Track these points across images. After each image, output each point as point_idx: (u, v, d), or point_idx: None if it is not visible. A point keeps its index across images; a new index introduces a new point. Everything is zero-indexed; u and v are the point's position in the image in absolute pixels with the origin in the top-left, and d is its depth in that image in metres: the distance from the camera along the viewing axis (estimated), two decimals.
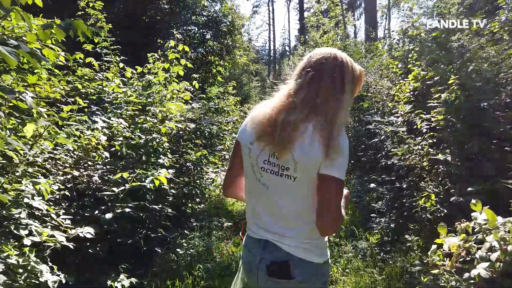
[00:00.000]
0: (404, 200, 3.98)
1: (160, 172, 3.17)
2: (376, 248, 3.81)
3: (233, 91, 13.21)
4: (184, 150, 4.97)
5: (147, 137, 3.66)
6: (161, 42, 6.21)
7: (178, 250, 3.82)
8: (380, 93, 6.32)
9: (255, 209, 1.48)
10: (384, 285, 3.15)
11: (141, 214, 3.31)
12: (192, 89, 5.10)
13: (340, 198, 1.30)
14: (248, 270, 1.49)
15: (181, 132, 4.90)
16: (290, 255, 1.37)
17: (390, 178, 4.22)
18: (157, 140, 3.75)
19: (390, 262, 3.53)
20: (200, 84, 10.02)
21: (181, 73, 4.95)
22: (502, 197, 2.74)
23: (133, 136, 3.75)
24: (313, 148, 1.28)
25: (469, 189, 2.89)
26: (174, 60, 4.92)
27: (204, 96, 5.94)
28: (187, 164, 4.98)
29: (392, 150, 4.34)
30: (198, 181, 5.29)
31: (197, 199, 5.36)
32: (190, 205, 5.05)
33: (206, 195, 5.84)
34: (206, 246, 4.03)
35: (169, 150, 4.06)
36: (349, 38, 17.69)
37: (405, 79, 4.92)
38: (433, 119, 3.53)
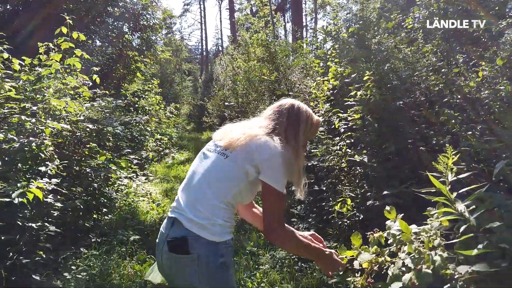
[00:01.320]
0: (323, 204, 3.76)
1: (32, 184, 2.56)
2: (294, 257, 3.53)
3: (159, 90, 12.45)
4: (83, 154, 4.31)
5: (22, 140, 2.99)
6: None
7: (65, 274, 3.20)
8: (302, 92, 6.16)
9: (183, 189, 1.57)
10: None
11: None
12: (89, 83, 4.44)
13: (281, 209, 1.48)
14: (157, 248, 1.54)
15: (78, 134, 4.24)
16: (188, 231, 1.42)
17: (309, 180, 3.98)
18: (37, 143, 3.10)
19: (308, 272, 3.27)
20: (115, 81, 9.22)
21: (78, 65, 4.29)
22: (421, 200, 2.57)
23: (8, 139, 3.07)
24: (259, 151, 1.45)
25: (385, 192, 2.70)
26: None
27: (107, 93, 5.27)
28: (87, 170, 4.33)
29: (312, 150, 4.11)
30: (103, 190, 4.65)
31: (104, 209, 4.72)
32: (94, 216, 4.40)
33: (116, 205, 5.20)
34: (104, 266, 3.45)
35: (55, 156, 3.41)
36: (278, 38, 17.77)
37: (325, 78, 4.75)
38: (350, 118, 3.33)
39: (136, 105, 9.14)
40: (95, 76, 4.44)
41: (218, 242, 1.44)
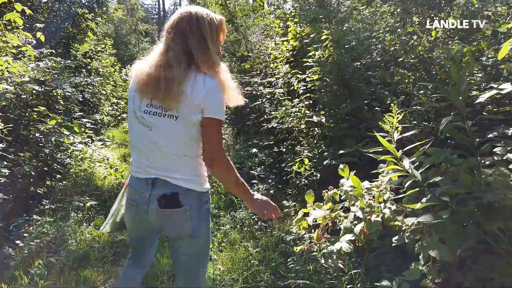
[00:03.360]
0: (283, 165, 3.81)
1: None
2: (254, 217, 3.60)
3: (113, 51, 11.80)
4: (30, 118, 4.05)
5: None
6: None
7: (18, 242, 3.09)
8: (263, 54, 6.06)
9: (141, 151, 1.59)
10: (260, 257, 2.94)
11: None
12: (33, 41, 4.11)
13: (221, 136, 1.53)
14: (137, 207, 1.60)
15: (24, 96, 3.96)
16: (178, 187, 1.54)
17: (269, 142, 4.01)
18: None
19: (268, 230, 3.35)
20: (64, 41, 8.61)
21: (19, 21, 3.93)
22: (376, 158, 2.66)
23: None
24: (195, 94, 1.45)
25: (341, 151, 2.77)
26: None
27: (53, 52, 4.90)
28: (36, 135, 4.10)
29: (272, 113, 4.11)
30: (55, 155, 4.44)
31: (57, 176, 4.53)
32: (48, 183, 4.22)
33: (71, 170, 5.00)
34: (59, 233, 3.36)
35: None
36: None
37: (285, 39, 4.68)
38: (308, 79, 3.33)
39: (89, 67, 8.65)
40: (39, 34, 4.10)
41: (203, 191, 1.61)
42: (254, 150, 4.81)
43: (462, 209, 1.51)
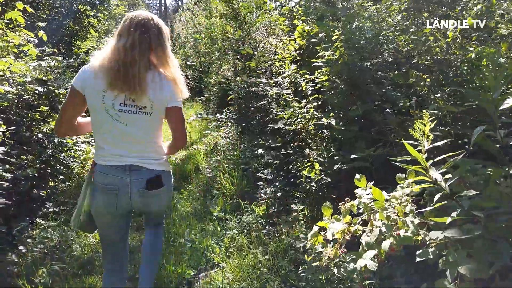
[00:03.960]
0: (290, 167, 3.73)
1: None
2: (262, 221, 3.52)
3: None
4: (33, 119, 3.97)
5: None
6: None
7: (21, 248, 3.02)
8: (267, 52, 5.96)
9: (114, 143, 1.77)
10: (269, 264, 2.86)
11: None
12: (35, 40, 4.02)
13: (184, 120, 1.87)
14: (116, 193, 1.78)
15: (26, 97, 3.88)
16: (156, 170, 1.85)
17: (276, 143, 3.92)
18: None
19: (276, 235, 3.27)
20: (66, 39, 8.50)
21: (21, 20, 3.84)
22: (388, 162, 2.58)
23: None
24: (163, 91, 1.77)
25: (353, 156, 2.68)
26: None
27: (55, 51, 4.79)
28: (39, 136, 4.02)
29: (278, 113, 4.02)
30: (58, 156, 4.37)
31: (61, 177, 4.46)
32: (51, 184, 4.14)
33: (74, 171, 4.92)
34: (63, 238, 3.29)
35: (1, 122, 3.10)
36: None
37: (291, 37, 4.58)
38: (317, 80, 3.23)
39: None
40: (41, 33, 4.01)
41: (170, 171, 2.00)
42: (260, 150, 4.73)
43: (491, 224, 1.43)
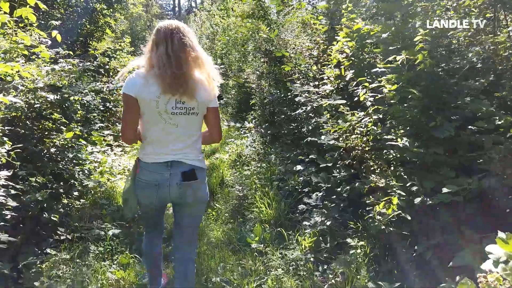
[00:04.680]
0: (343, 193, 3.15)
1: None
2: (311, 257, 2.95)
3: (131, 49, 11.24)
4: (45, 129, 3.48)
5: None
6: None
7: None
8: (302, 54, 5.39)
9: (162, 143, 1.97)
10: None
11: None
12: (48, 41, 3.52)
13: (220, 117, 2.14)
14: (158, 185, 1.97)
15: (36, 106, 3.38)
16: (193, 165, 2.02)
17: (326, 163, 3.34)
18: None
19: (330, 276, 2.70)
20: (81, 39, 8.08)
21: (32, 18, 3.34)
22: (497, 203, 1.99)
23: None
24: (206, 92, 1.97)
25: (445, 190, 2.09)
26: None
27: (71, 53, 4.29)
28: (51, 151, 3.52)
29: (325, 126, 3.45)
30: (72, 170, 3.87)
31: (75, 193, 3.96)
32: (64, 202, 3.63)
33: (90, 185, 4.42)
34: (77, 277, 2.77)
35: (6, 139, 2.59)
36: None
37: (336, 37, 4.00)
38: (386, 90, 2.65)
39: (107, 66, 8.10)
40: (54, 33, 3.51)
41: (205, 168, 2.11)
42: (299, 167, 4.16)
43: None
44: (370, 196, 2.58)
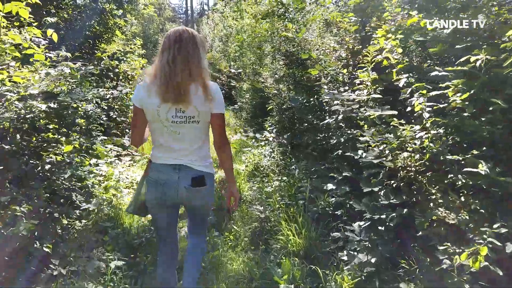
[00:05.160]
0: (389, 222, 2.58)
1: None
2: None
3: (142, 51, 10.82)
4: (38, 146, 3.00)
5: None
6: None
7: None
8: (329, 56, 4.84)
9: (168, 148, 2.05)
10: None
11: None
12: (43, 42, 3.04)
13: (225, 125, 2.14)
14: (166, 186, 2.06)
15: (29, 116, 2.90)
16: (201, 171, 2.09)
17: (369, 187, 2.77)
18: None
19: None
20: (89, 41, 7.66)
21: (24, 14, 2.88)
22: None
23: None
24: (204, 99, 1.96)
25: None
26: None
27: (69, 56, 3.77)
28: (46, 168, 3.03)
29: (368, 141, 2.89)
30: (72, 187, 3.39)
31: (77, 211, 3.48)
32: (64, 222, 3.14)
33: (90, 208, 3.91)
34: None
35: None
36: None
37: (375, 35, 3.45)
38: (457, 99, 2.08)
39: (116, 70, 7.66)
40: (50, 31, 3.04)
41: (213, 173, 2.21)
42: (330, 186, 3.60)
43: None
44: (436, 236, 2.00)
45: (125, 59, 7.64)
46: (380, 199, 2.59)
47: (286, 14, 5.58)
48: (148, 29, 24.13)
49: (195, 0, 62.13)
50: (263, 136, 4.85)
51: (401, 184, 2.69)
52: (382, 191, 2.73)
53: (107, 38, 7.62)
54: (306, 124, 5.19)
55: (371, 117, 2.77)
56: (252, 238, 3.61)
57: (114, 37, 8.09)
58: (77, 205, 3.20)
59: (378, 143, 2.77)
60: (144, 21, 23.56)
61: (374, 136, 2.64)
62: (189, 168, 2.05)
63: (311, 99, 5.05)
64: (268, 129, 7.52)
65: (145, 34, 23.06)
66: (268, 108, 8.08)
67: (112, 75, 7.56)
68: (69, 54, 3.39)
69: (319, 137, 4.37)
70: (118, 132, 6.67)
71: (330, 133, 4.19)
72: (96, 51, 6.35)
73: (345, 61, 4.61)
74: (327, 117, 4.15)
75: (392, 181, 2.72)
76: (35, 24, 3.35)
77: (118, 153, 5.99)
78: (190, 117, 1.97)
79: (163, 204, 2.13)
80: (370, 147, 3.00)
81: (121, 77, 8.42)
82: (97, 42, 7.28)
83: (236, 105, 12.98)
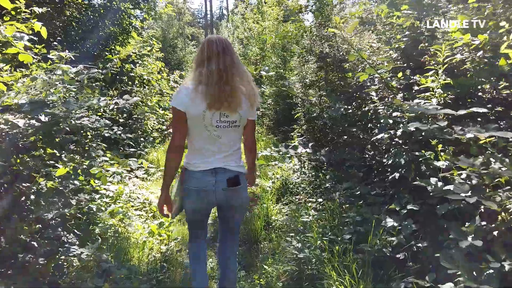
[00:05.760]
0: None
1: None
2: None
3: (160, 54, 10.24)
4: (18, 172, 2.35)
5: None
6: None
7: None
8: (374, 56, 4.08)
9: (208, 152, 2.09)
10: None
11: None
12: (26, 36, 2.38)
13: (255, 129, 2.34)
14: (205, 191, 2.09)
15: (10, 132, 2.24)
16: (236, 172, 2.15)
17: (465, 238, 1.99)
18: None
19: None
20: (102, 43, 7.10)
21: (5, 4, 2.24)
22: None
23: None
24: (248, 106, 2.08)
25: None
26: None
27: (62, 56, 3.09)
28: (31, 198, 2.38)
29: (435, 164, 2.11)
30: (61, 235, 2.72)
31: (77, 242, 2.82)
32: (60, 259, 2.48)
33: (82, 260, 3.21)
34: None
35: None
36: None
37: (449, 28, 2.67)
38: None
39: (131, 74, 7.09)
40: (38, 26, 2.39)
41: (244, 172, 2.23)
42: (390, 221, 2.83)
43: None
44: None
45: (140, 62, 7.05)
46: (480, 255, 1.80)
47: (322, 8, 4.85)
48: (168, 33, 23.81)
49: (214, 4, 62.14)
50: (297, 152, 4.08)
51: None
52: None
53: (122, 39, 7.04)
54: (345, 137, 4.43)
55: (481, 141, 1.99)
56: (288, 284, 2.87)
57: (130, 38, 7.53)
58: (67, 247, 2.53)
59: (470, 173, 1.99)
60: (164, 25, 23.30)
61: (475, 167, 1.86)
62: (225, 170, 2.10)
63: (349, 107, 4.29)
64: (296, 140, 6.78)
65: (165, 39, 22.73)
66: (296, 116, 7.35)
67: (126, 79, 6.98)
68: (62, 54, 2.74)
69: (367, 155, 3.59)
70: (132, 143, 6.06)
71: (383, 151, 3.41)
72: (106, 53, 5.75)
73: (398, 63, 3.84)
74: (376, 131, 3.39)
75: (495, 231, 1.93)
76: (34, 20, 2.73)
77: (129, 170, 5.36)
78: (232, 122, 2.05)
79: (201, 208, 2.19)
80: (451, 176, 2.23)
81: (136, 82, 7.85)
82: (111, 43, 6.69)
83: (258, 112, 12.29)
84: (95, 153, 2.78)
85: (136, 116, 6.99)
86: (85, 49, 6.04)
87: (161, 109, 9.01)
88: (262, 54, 15.35)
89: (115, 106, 2.70)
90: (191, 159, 2.12)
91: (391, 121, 2.96)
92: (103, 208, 3.64)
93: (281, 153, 4.18)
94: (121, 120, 5.79)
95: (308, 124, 6.26)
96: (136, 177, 5.62)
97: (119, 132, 4.71)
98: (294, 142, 7.30)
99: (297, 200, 4.88)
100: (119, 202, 3.98)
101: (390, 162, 3.17)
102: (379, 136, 3.20)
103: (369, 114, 3.75)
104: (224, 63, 1.96)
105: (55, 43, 4.36)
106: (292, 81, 6.79)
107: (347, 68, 4.93)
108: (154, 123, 8.06)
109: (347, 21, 5.34)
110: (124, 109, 4.94)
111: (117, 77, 6.59)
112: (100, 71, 3.14)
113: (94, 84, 3.42)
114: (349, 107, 4.40)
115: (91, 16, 6.64)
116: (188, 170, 2.12)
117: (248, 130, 2.21)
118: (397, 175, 3.11)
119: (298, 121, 7.47)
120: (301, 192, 5.00)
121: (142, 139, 7.17)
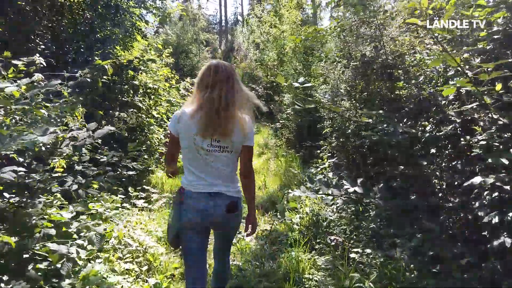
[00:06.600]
0: None
1: None
2: None
3: (171, 60, 9.31)
4: None
5: None
6: None
7: None
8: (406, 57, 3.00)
9: (202, 175, 2.11)
10: None
11: None
12: None
13: (252, 156, 2.22)
14: (203, 212, 2.11)
15: None
16: (234, 197, 2.17)
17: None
18: None
19: None
20: (99, 44, 6.17)
21: None
22: None
23: None
24: (240, 133, 2.06)
25: None
26: None
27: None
28: None
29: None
30: None
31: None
32: None
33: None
34: None
35: None
36: None
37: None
38: None
39: (134, 81, 6.15)
40: None
41: (241, 198, 2.26)
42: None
43: None
44: None
45: (142, 68, 6.11)
46: None
47: (367, 6, 3.80)
48: (182, 39, 23.02)
49: (229, 10, 61.62)
50: (342, 193, 2.96)
51: None
52: None
53: (123, 43, 6.10)
54: (401, 167, 3.34)
55: None
56: None
57: (133, 41, 6.59)
58: None
59: None
60: (178, 30, 22.53)
61: None
62: (223, 194, 2.13)
63: (412, 130, 3.20)
64: (327, 161, 5.66)
65: (179, 44, 21.93)
66: (324, 131, 6.28)
67: (128, 88, 6.04)
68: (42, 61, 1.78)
69: (451, 204, 2.49)
70: (131, 166, 5.08)
71: (475, 201, 2.31)
72: (96, 57, 4.80)
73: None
74: (467, 170, 2.30)
75: None
76: None
77: (126, 196, 4.37)
78: (224, 147, 2.07)
79: (197, 227, 2.17)
80: None
81: (140, 91, 6.91)
82: (109, 48, 5.75)
83: (277, 123, 11.15)
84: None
85: (139, 129, 6.04)
86: (78, 53, 5.10)
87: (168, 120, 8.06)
88: (281, 59, 14.36)
89: (71, 143, 1.69)
90: (188, 179, 2.17)
91: (505, 161, 1.88)
92: (77, 268, 2.62)
93: (320, 193, 3.09)
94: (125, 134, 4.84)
95: (342, 143, 5.19)
96: (135, 206, 4.63)
97: (116, 157, 3.73)
98: (324, 163, 6.23)
99: (332, 242, 3.81)
100: (102, 254, 2.96)
101: (495, 220, 2.08)
102: (477, 181, 2.11)
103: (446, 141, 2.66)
104: (226, 92, 1.99)
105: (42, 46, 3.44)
106: (322, 90, 5.72)
107: (397, 76, 3.87)
108: (160, 137, 7.09)
109: (396, 19, 4.28)
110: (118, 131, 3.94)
111: (117, 86, 5.65)
112: (65, 82, 2.14)
113: (79, 97, 2.48)
114: (413, 130, 3.29)
115: (85, 15, 5.71)
116: (185, 190, 2.15)
117: (242, 157, 2.19)
118: (508, 241, 2.02)
119: (326, 136, 6.42)
120: (339, 233, 3.92)
121: (146, 156, 6.20)
